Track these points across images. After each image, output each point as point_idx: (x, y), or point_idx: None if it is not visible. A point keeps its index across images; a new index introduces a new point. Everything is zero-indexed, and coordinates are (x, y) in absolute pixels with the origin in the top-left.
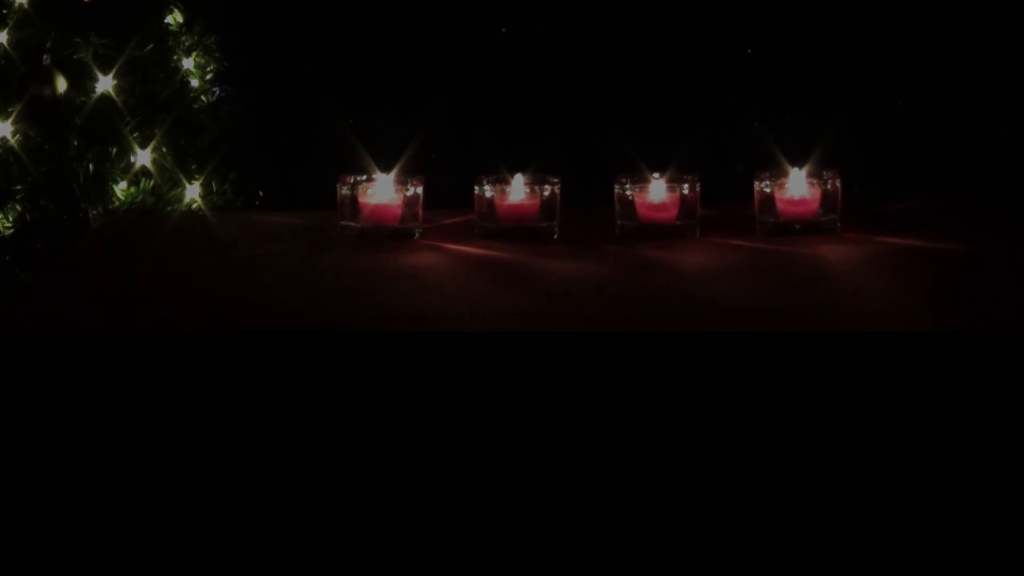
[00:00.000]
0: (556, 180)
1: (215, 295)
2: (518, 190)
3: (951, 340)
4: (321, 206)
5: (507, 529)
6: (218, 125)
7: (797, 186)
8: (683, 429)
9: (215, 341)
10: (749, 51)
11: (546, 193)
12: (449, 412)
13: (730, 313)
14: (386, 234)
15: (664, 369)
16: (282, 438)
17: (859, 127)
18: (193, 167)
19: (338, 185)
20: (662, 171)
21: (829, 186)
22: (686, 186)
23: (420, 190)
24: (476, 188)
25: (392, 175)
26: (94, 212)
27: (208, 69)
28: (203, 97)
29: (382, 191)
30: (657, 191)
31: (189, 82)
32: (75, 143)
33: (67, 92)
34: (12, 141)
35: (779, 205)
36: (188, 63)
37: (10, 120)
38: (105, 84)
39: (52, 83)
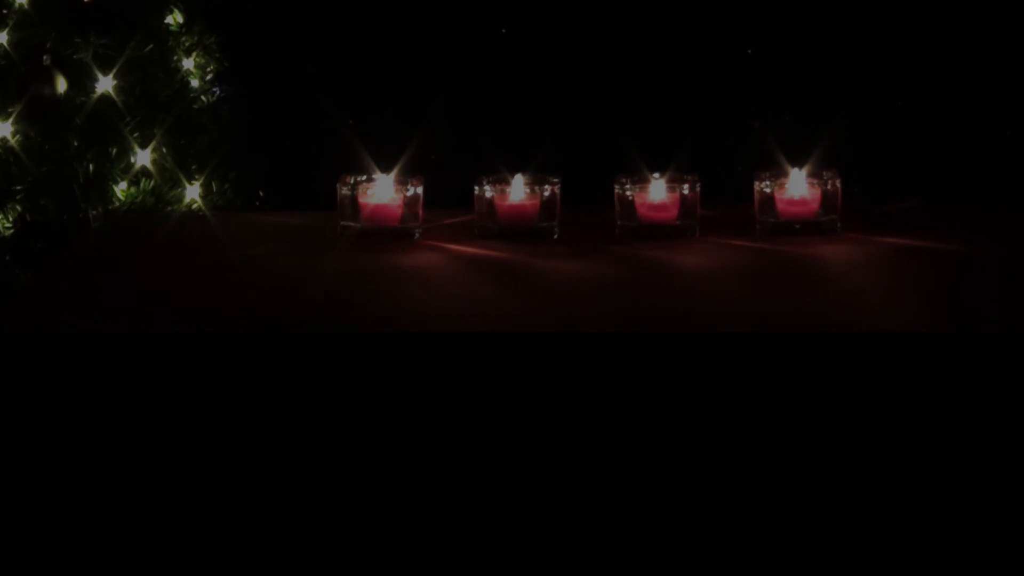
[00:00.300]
0: (556, 180)
1: (215, 295)
2: (518, 190)
3: (951, 340)
4: (321, 206)
5: (507, 529)
6: (218, 125)
7: (797, 186)
8: (683, 429)
9: (215, 341)
10: (749, 51)
11: (546, 193)
12: (449, 412)
13: (730, 313)
14: (386, 234)
15: (664, 369)
16: (282, 438)
17: (859, 127)
18: (193, 167)
19: (338, 185)
20: (662, 171)
21: (829, 186)
22: (686, 186)
23: (420, 190)
24: (476, 188)
25: (392, 175)
26: (94, 212)
27: (208, 69)
28: (203, 97)
29: (382, 191)
30: (657, 191)
31: (189, 82)
32: (75, 143)
33: (67, 92)
34: (12, 141)
35: (779, 205)
36: (188, 63)
37: (10, 120)
38: (105, 84)
39: (52, 83)
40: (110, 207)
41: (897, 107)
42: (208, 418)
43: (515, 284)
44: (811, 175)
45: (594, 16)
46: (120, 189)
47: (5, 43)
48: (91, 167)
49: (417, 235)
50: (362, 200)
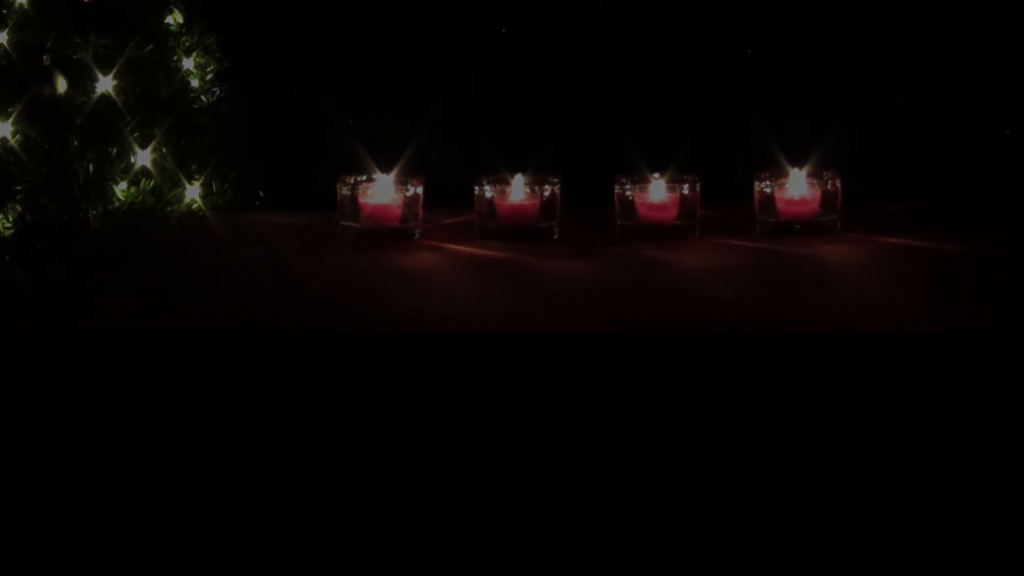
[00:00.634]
0: (556, 180)
1: (215, 295)
2: (518, 190)
3: (951, 340)
4: (321, 206)
5: (507, 529)
6: (218, 125)
7: (797, 186)
8: (683, 429)
9: (215, 341)
10: (749, 51)
11: (546, 193)
12: (449, 412)
13: (730, 313)
14: (386, 234)
15: (664, 369)
16: (282, 438)
17: (859, 127)
18: (193, 167)
19: (338, 185)
20: (662, 171)
21: (829, 186)
22: (686, 186)
23: (420, 190)
24: (476, 188)
25: (392, 175)
26: (94, 212)
27: (208, 69)
28: (203, 97)
29: (382, 191)
30: (657, 191)
31: (189, 82)
32: (75, 143)
33: (67, 92)
34: (12, 141)
35: (779, 205)
36: (188, 63)
37: (10, 120)
38: (105, 84)
39: (52, 83)
40: (110, 207)
41: (897, 107)
42: (208, 418)
43: (515, 284)
44: (811, 175)
45: (594, 16)
46: (120, 189)
47: (5, 43)
48: (91, 167)
49: (417, 235)
50: (362, 200)
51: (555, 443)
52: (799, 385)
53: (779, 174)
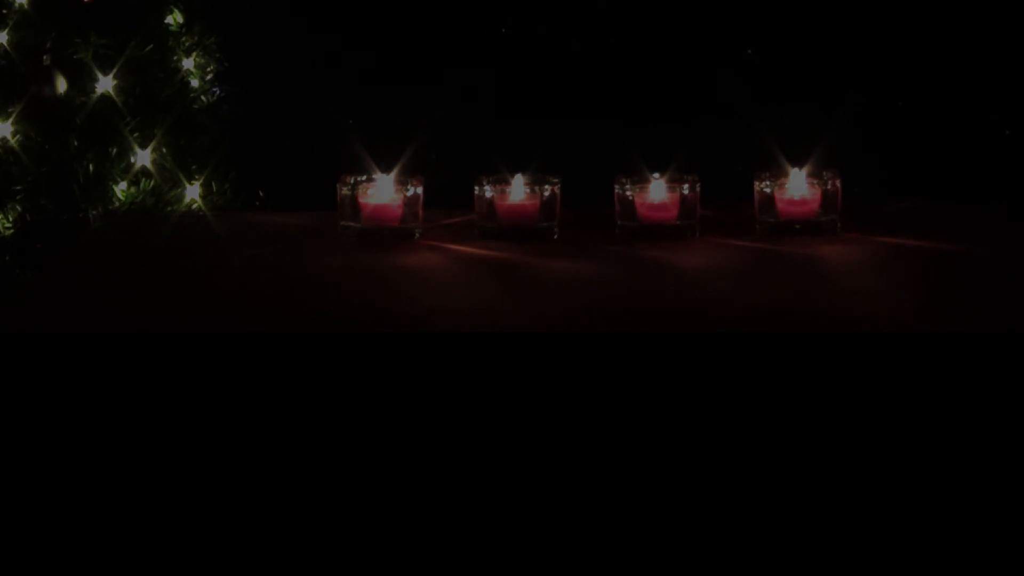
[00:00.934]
0: (556, 180)
1: (215, 295)
2: (518, 190)
3: (951, 340)
4: (321, 206)
5: (507, 529)
6: (218, 125)
7: (797, 186)
8: (683, 429)
9: (215, 341)
10: (749, 51)
11: (546, 193)
12: (449, 412)
13: (730, 313)
14: (386, 234)
15: (664, 369)
16: (282, 439)
17: (859, 127)
18: (193, 167)
19: (338, 185)
20: (662, 171)
21: (829, 186)
22: (686, 186)
23: (420, 190)
24: (476, 188)
25: (392, 175)
26: (94, 212)
27: (208, 69)
28: (203, 97)
29: (382, 191)
30: (657, 191)
31: (189, 82)
32: (75, 143)
33: (67, 92)
34: (12, 141)
35: (779, 205)
36: (188, 63)
37: (10, 120)
38: (105, 84)
39: (52, 83)
40: (110, 207)
41: (897, 107)
42: (208, 418)
43: (515, 284)
44: (811, 175)
45: (594, 16)
46: (120, 189)
47: (5, 43)
48: (91, 167)
49: (417, 235)
50: (362, 200)
51: (555, 443)
52: (799, 385)
53: (779, 174)
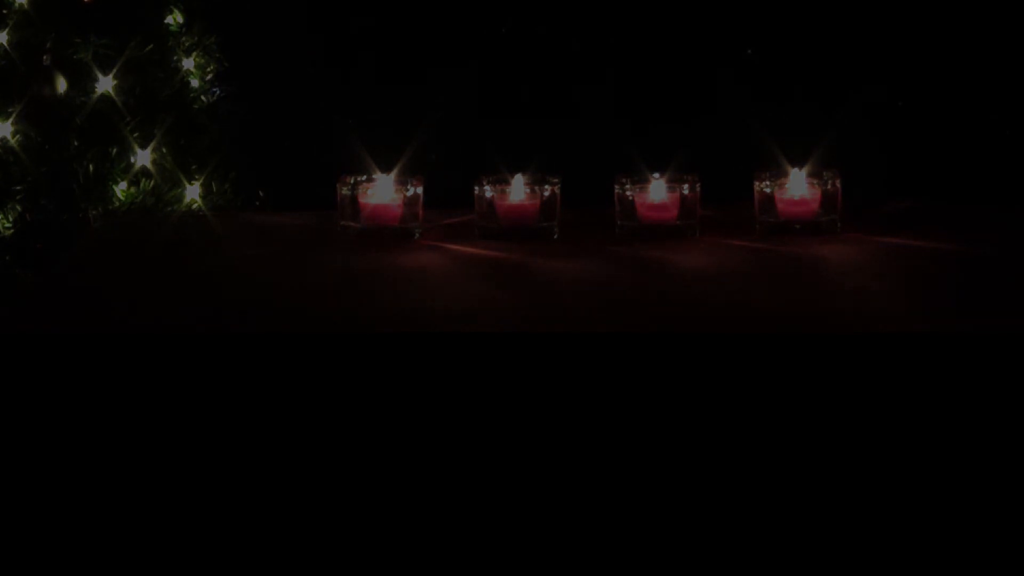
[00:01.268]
0: (556, 180)
1: (215, 295)
2: (518, 190)
3: (951, 340)
4: (321, 206)
5: (507, 529)
6: (218, 125)
7: (797, 186)
8: (683, 430)
9: (215, 341)
10: (749, 51)
11: (546, 193)
12: (449, 412)
13: (730, 313)
14: (386, 234)
15: (664, 370)
16: (282, 438)
17: (859, 127)
18: (193, 167)
19: (338, 185)
20: (662, 171)
21: (829, 186)
22: (686, 186)
23: (420, 190)
24: (476, 188)
25: (392, 175)
26: (94, 212)
27: (208, 69)
28: (203, 97)
29: (382, 191)
30: (657, 191)
31: (189, 82)
32: (75, 143)
33: (67, 92)
34: (12, 141)
35: (779, 205)
36: (188, 63)
37: (10, 120)
38: (105, 84)
39: (52, 83)
40: (110, 207)
41: (897, 107)
42: (208, 418)
43: (515, 284)
44: (811, 175)
45: (594, 16)
46: (120, 189)
47: (5, 43)
48: (91, 167)
49: (417, 235)
50: (362, 200)
51: (555, 443)
52: (799, 385)
53: (779, 174)
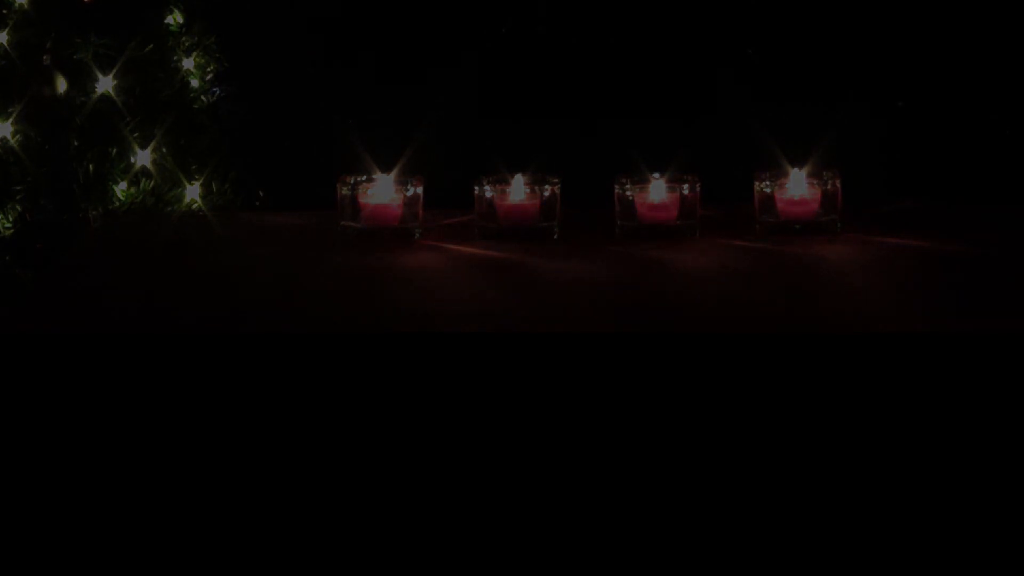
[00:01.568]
0: (556, 180)
1: (215, 295)
2: (518, 190)
3: (951, 340)
4: (321, 206)
5: (507, 529)
6: (218, 125)
7: (797, 186)
8: (683, 430)
9: (215, 341)
10: (749, 51)
11: (546, 193)
12: (449, 412)
13: (730, 313)
14: (386, 234)
15: (664, 370)
16: (282, 439)
17: (859, 127)
18: (193, 167)
19: (338, 185)
20: (662, 171)
21: (829, 186)
22: (686, 186)
23: (420, 190)
24: (476, 188)
25: (392, 175)
26: (94, 212)
27: (208, 69)
28: (203, 97)
29: (382, 191)
30: (657, 191)
31: (189, 82)
32: (75, 143)
33: (67, 92)
34: (12, 141)
35: (779, 205)
36: (188, 63)
37: (10, 120)
38: (105, 84)
39: (52, 83)
40: (110, 207)
41: (897, 107)
42: (208, 418)
43: (515, 284)
44: (811, 175)
45: (594, 16)
46: (120, 189)
47: (5, 43)
48: (91, 167)
49: (417, 235)
50: (362, 200)
51: (555, 443)
52: (799, 385)
53: (779, 174)
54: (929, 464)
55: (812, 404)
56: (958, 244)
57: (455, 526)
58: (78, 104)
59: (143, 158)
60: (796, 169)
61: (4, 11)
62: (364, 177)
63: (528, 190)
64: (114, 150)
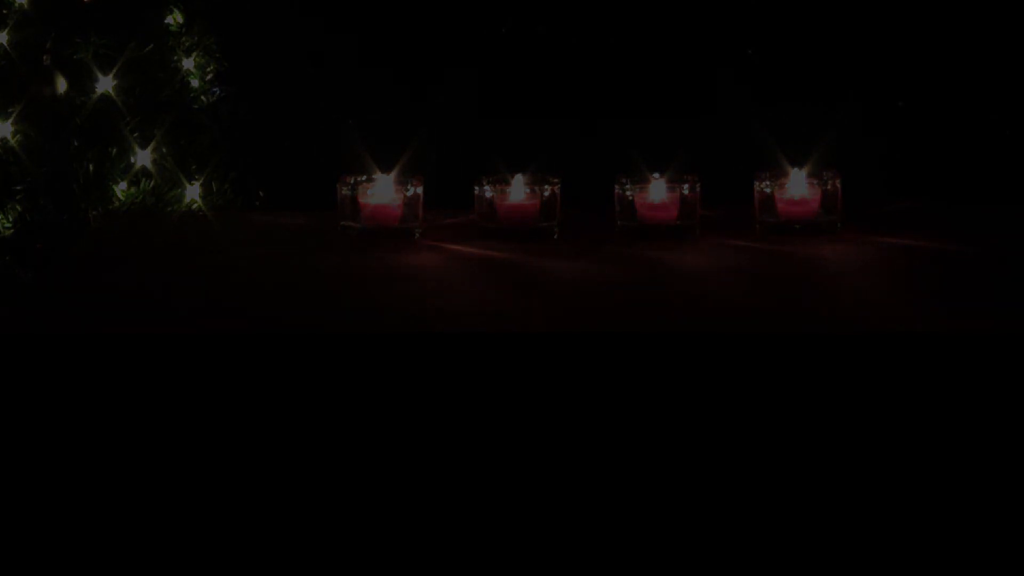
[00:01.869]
0: (556, 180)
1: (215, 295)
2: (518, 190)
3: (951, 340)
4: (321, 206)
5: (507, 529)
6: (218, 125)
7: (797, 186)
8: (683, 429)
9: (215, 341)
10: (749, 51)
11: (546, 193)
12: (449, 412)
13: (730, 313)
14: (386, 234)
15: (664, 369)
16: (282, 439)
17: (859, 127)
18: (193, 167)
19: (338, 185)
20: (662, 171)
21: (829, 186)
22: (686, 186)
23: (420, 190)
24: (476, 188)
25: (392, 175)
26: (94, 212)
27: (208, 69)
28: (203, 97)
29: (382, 191)
30: (657, 191)
31: (189, 82)
32: (75, 143)
33: (67, 92)
34: (12, 141)
35: (779, 205)
36: (188, 63)
37: (10, 120)
38: (105, 84)
39: (52, 83)
40: (110, 207)
41: (897, 107)
42: (208, 418)
43: (515, 284)
44: (811, 175)
45: (594, 16)
46: (120, 189)
47: (5, 43)
48: (91, 167)
49: (417, 235)
50: (362, 200)
51: (555, 443)
52: (799, 385)
53: (779, 174)
54: (929, 464)
55: (812, 404)
56: (958, 244)
57: (455, 526)
58: (78, 104)
59: (143, 158)
60: (796, 169)
61: (4, 11)
62: (364, 177)
63: (528, 190)
64: (114, 150)
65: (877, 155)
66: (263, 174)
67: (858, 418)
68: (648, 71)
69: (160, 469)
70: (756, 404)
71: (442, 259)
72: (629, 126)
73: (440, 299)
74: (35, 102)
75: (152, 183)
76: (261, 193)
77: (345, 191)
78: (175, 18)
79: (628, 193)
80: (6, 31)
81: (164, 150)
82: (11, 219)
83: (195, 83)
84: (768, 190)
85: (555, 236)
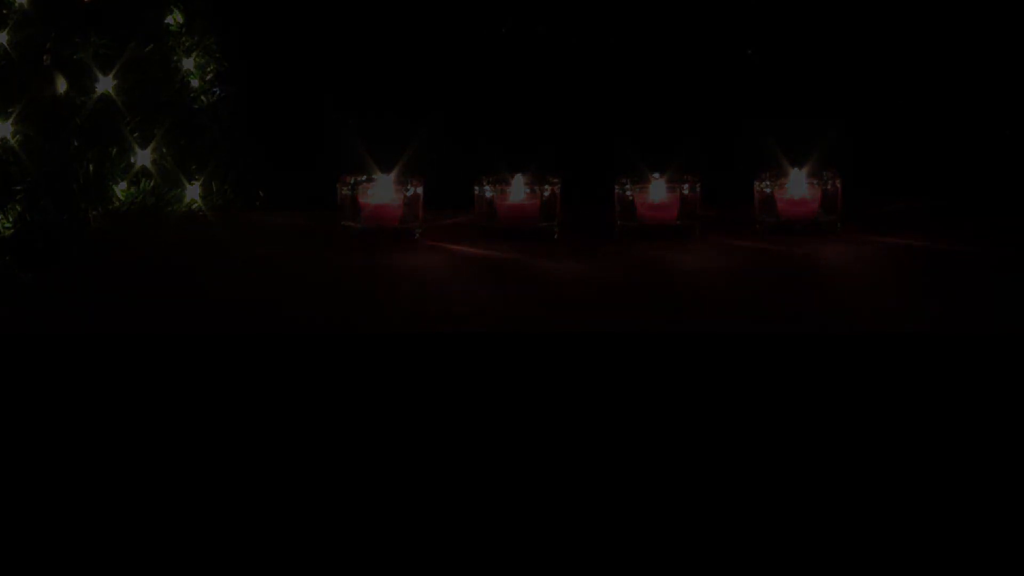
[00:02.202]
0: (556, 180)
1: (215, 295)
2: (518, 190)
3: (951, 340)
4: (321, 206)
5: (507, 529)
6: (218, 125)
7: (797, 186)
8: (683, 429)
9: (215, 341)
10: (749, 51)
11: (546, 193)
12: (449, 412)
13: (730, 313)
14: (386, 234)
15: (664, 369)
16: (282, 439)
17: (859, 127)
18: (193, 167)
19: (338, 185)
20: (662, 171)
21: (829, 186)
22: (686, 186)
23: (420, 190)
24: (476, 188)
25: (392, 175)
26: (94, 212)
27: (208, 69)
28: (203, 97)
29: (382, 191)
30: (657, 191)
31: (189, 82)
32: (75, 143)
33: (67, 92)
34: (12, 141)
35: (779, 205)
36: (188, 63)
37: (10, 120)
38: (105, 84)
39: (52, 83)
40: (110, 207)
41: (897, 107)
42: (208, 418)
43: (515, 284)
44: (811, 175)
45: (594, 16)
46: (120, 189)
47: (5, 43)
48: (91, 167)
49: (417, 235)
50: (362, 200)
51: (555, 443)
52: (799, 385)
53: (779, 174)
54: (929, 464)
55: (812, 404)
56: (958, 244)
57: (455, 526)
58: (78, 104)
59: (143, 158)
60: (796, 169)
61: (4, 11)
62: (364, 177)
63: (528, 190)
64: (114, 150)
65: (877, 155)
66: (263, 174)
67: (858, 418)
68: (648, 71)
69: (160, 469)
70: (756, 404)
71: (442, 259)
72: (630, 126)
73: (440, 299)
74: (35, 102)
75: (152, 183)
76: (261, 193)
77: (345, 191)
78: (175, 18)
79: (628, 193)
80: (6, 31)
81: (164, 150)
82: (11, 219)
83: (195, 83)
84: (768, 190)
85: (555, 236)
